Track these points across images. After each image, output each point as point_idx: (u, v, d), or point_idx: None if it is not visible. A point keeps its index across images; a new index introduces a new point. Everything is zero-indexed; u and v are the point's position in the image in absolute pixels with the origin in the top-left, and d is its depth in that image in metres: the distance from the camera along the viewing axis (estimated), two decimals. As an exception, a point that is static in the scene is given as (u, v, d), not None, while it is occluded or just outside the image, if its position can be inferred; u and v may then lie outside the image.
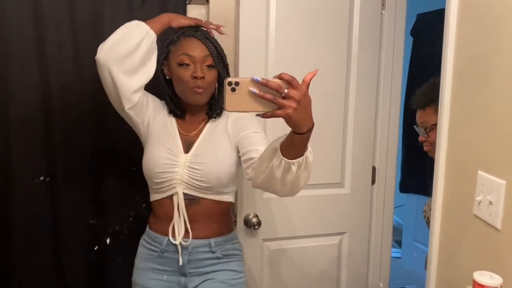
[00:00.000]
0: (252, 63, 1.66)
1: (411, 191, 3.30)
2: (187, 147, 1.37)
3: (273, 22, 1.67)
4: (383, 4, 1.83)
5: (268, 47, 1.68)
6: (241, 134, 1.34)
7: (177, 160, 1.33)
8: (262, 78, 0.92)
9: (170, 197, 1.35)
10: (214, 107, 1.41)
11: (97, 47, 1.34)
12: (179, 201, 1.33)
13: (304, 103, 0.94)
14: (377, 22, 1.82)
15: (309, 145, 1.05)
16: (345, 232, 1.90)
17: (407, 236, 3.60)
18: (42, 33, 1.56)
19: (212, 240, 1.36)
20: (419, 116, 1.59)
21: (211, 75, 1.34)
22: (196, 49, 1.33)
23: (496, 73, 1.00)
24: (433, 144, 1.49)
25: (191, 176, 1.32)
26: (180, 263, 1.35)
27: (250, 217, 1.73)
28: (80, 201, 1.63)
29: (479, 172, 1.05)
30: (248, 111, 0.97)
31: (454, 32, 1.17)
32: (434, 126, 1.48)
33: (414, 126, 1.64)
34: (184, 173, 1.32)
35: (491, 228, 1.01)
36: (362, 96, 1.83)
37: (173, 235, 1.35)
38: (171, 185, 1.33)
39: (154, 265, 1.39)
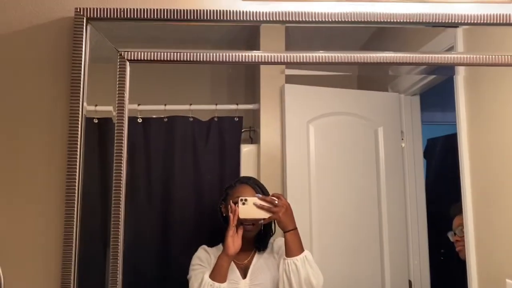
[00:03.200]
0: (297, 192, 1.96)
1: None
2: (243, 273, 1.63)
3: (313, 158, 2.01)
4: (402, 138, 2.18)
5: (310, 179, 2.00)
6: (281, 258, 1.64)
7: (238, 286, 1.59)
8: (262, 196, 1.61)
9: None
10: (261, 240, 1.71)
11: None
12: None
13: (288, 209, 1.60)
14: (399, 152, 2.16)
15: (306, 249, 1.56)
16: None
17: None
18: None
19: None
20: (459, 219, 1.76)
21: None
22: (248, 194, 1.68)
23: (509, 186, 1.26)
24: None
25: None
26: None
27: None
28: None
29: (507, 280, 1.26)
30: (254, 218, 1.59)
31: (469, 166, 1.46)
32: None
33: (448, 233, 1.86)
34: None
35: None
36: (393, 217, 2.08)
37: None
38: None
39: None
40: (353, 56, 0.92)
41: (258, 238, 1.72)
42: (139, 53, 0.88)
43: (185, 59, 0.70)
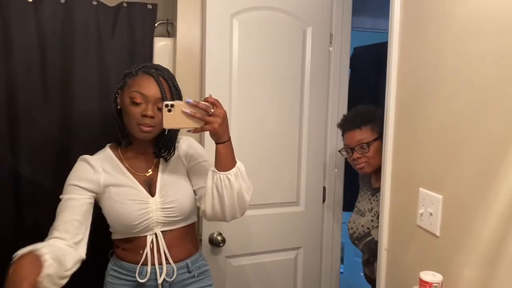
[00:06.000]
0: (217, 93, 1.80)
1: (347, 209, 3.56)
2: (149, 189, 1.38)
3: (235, 56, 1.83)
4: (331, 42, 2.06)
5: (231, 78, 1.83)
6: (191, 164, 1.45)
7: (148, 206, 1.35)
8: (194, 100, 1.23)
9: (145, 236, 1.37)
10: (161, 147, 1.40)
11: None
12: (159, 240, 1.37)
13: (225, 119, 1.26)
14: (326, 57, 2.04)
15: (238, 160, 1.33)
16: (300, 247, 2.06)
17: (348, 252, 3.85)
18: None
19: (188, 261, 1.44)
20: (354, 135, 1.74)
21: (160, 116, 1.28)
22: (150, 89, 1.30)
23: (432, 103, 1.23)
24: (370, 159, 1.71)
25: (166, 215, 1.37)
26: None
27: (215, 235, 1.84)
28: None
29: (420, 189, 1.26)
30: (182, 127, 1.28)
31: (396, 67, 1.39)
32: (372, 142, 1.70)
33: (340, 150, 1.84)
34: (158, 215, 1.36)
35: (431, 236, 1.22)
36: (313, 124, 2.02)
37: (152, 263, 1.37)
38: (147, 227, 1.36)
39: None
40: None
41: (160, 141, 1.39)
42: None
43: None
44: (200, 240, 1.81)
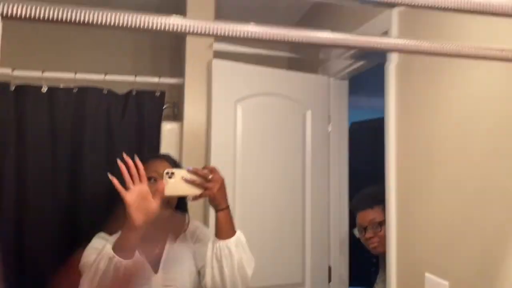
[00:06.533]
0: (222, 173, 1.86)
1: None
2: (154, 266, 1.37)
3: (239, 139, 1.90)
4: (329, 122, 2.15)
5: (235, 161, 1.89)
6: (197, 244, 1.44)
7: (150, 282, 1.33)
8: (193, 168, 1.29)
9: None
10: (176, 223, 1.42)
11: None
12: None
13: (223, 185, 1.31)
14: (325, 137, 2.12)
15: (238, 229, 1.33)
16: (307, 331, 2.00)
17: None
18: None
19: None
20: (367, 215, 1.75)
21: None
22: (164, 168, 1.33)
23: (431, 188, 1.26)
24: (382, 239, 1.71)
25: None
26: None
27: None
28: None
29: (426, 274, 1.26)
30: (183, 194, 1.34)
31: (395, 150, 1.44)
32: (384, 222, 1.71)
33: (354, 229, 1.85)
34: None
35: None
36: (316, 201, 2.05)
37: None
38: None
39: None
40: (286, 34, 0.80)
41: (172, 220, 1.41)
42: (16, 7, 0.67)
43: (79, 20, 0.55)
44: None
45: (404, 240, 1.40)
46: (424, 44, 0.91)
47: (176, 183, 1.25)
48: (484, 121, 1.07)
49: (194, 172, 1.28)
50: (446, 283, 1.18)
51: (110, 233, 1.35)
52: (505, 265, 0.99)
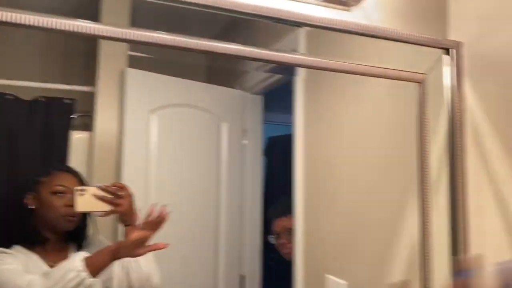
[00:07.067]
0: (134, 189, 1.82)
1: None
2: None
3: (153, 151, 1.90)
4: (245, 136, 2.22)
5: (148, 173, 1.87)
6: None
7: None
8: (104, 185, 1.35)
9: None
10: (81, 234, 1.45)
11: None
12: None
13: (132, 202, 1.36)
14: (240, 149, 2.19)
15: None
16: None
17: None
18: None
19: None
20: (282, 222, 1.88)
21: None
22: (70, 181, 1.41)
23: (335, 189, 1.37)
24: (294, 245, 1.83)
25: None
26: None
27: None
28: None
29: (326, 275, 1.36)
30: (93, 210, 1.40)
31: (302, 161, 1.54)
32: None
33: (270, 236, 1.95)
34: None
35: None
36: (230, 213, 2.10)
37: None
38: None
39: None
40: (203, 44, 0.84)
41: (76, 232, 1.45)
42: None
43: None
44: None
45: (309, 245, 1.49)
46: (325, 61, 1.01)
47: (87, 200, 1.32)
48: (377, 130, 1.20)
49: (105, 188, 1.34)
50: (344, 283, 1.27)
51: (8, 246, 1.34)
52: (393, 262, 1.10)
